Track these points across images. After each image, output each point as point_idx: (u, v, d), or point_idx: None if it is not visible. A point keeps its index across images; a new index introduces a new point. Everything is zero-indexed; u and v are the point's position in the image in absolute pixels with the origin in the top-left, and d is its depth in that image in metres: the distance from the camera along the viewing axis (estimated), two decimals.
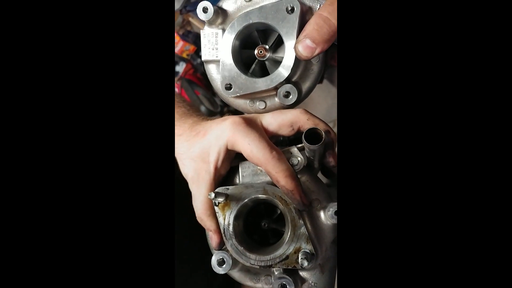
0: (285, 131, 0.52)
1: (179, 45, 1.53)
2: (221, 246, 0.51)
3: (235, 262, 0.50)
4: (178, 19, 1.58)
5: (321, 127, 0.50)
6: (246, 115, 0.54)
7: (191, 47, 1.56)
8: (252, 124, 0.51)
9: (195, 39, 1.57)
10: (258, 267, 0.48)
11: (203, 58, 0.56)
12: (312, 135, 0.45)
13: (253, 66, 0.57)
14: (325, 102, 1.75)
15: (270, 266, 0.47)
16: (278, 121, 0.52)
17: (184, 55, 1.59)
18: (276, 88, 0.53)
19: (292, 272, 0.49)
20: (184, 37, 1.56)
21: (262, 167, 0.48)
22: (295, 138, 0.56)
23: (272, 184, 0.50)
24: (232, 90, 0.53)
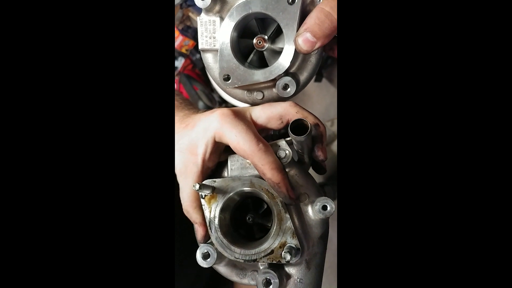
0: (274, 124, 0.51)
1: (178, 40, 1.52)
2: (207, 239, 0.50)
3: (220, 256, 0.49)
4: (178, 13, 1.57)
5: (309, 119, 0.49)
6: (235, 107, 0.53)
7: (191, 42, 1.55)
8: (240, 116, 0.50)
9: (195, 34, 1.56)
10: (242, 261, 0.47)
11: (200, 47, 0.55)
12: (299, 127, 0.44)
13: (251, 56, 0.57)
14: (323, 101, 1.74)
15: (255, 260, 0.47)
16: (267, 113, 0.51)
17: (183, 50, 1.58)
18: (274, 80, 0.52)
19: (277, 267, 0.48)
20: (183, 32, 1.54)
21: (248, 159, 0.47)
22: (286, 132, 0.55)
23: (260, 177, 0.49)
24: (230, 81, 0.52)
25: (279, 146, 0.49)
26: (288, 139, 0.50)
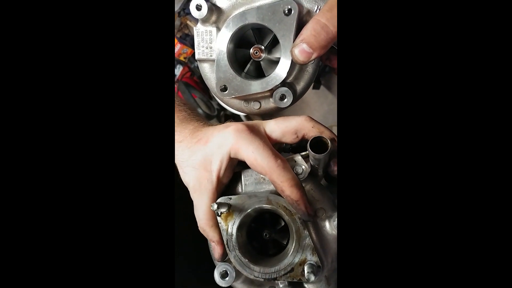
0: (289, 139, 0.51)
1: (177, 48, 1.51)
2: (224, 257, 0.50)
3: (238, 274, 0.48)
4: (176, 21, 1.56)
5: (326, 135, 0.49)
6: (249, 122, 0.53)
7: (189, 50, 1.55)
8: (256, 132, 0.50)
9: (193, 42, 1.56)
10: (262, 280, 0.46)
11: (196, 57, 0.55)
12: (317, 144, 0.44)
13: (248, 65, 0.57)
14: (321, 108, 1.74)
15: (275, 279, 0.46)
16: (281, 128, 0.51)
17: (181, 58, 1.57)
18: (271, 90, 0.52)
19: (297, 284, 0.47)
20: (181, 40, 1.54)
21: (266, 176, 0.46)
22: (298, 146, 0.55)
23: (276, 193, 0.48)
24: (227, 91, 0.53)
25: (296, 161, 0.49)
26: (303, 153, 0.50)
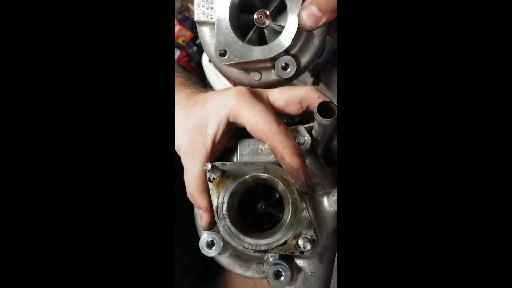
0: (293, 109, 0.48)
1: (176, 29, 1.48)
2: (212, 226, 0.46)
3: (225, 246, 0.45)
4: (177, 3, 1.53)
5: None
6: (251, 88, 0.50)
7: (188, 33, 1.51)
8: (258, 96, 0.47)
9: (193, 26, 1.52)
10: (252, 251, 0.43)
11: (195, 18, 0.51)
12: (325, 110, 0.41)
13: (251, 33, 0.53)
14: None
15: (266, 251, 0.43)
16: (286, 96, 0.48)
17: (180, 41, 1.53)
18: (274, 59, 0.49)
19: (287, 259, 0.44)
20: (181, 21, 1.50)
21: (267, 141, 0.43)
22: (300, 120, 0.52)
23: (275, 163, 0.45)
24: (226, 57, 0.49)
25: (298, 132, 0.46)
26: (306, 125, 0.47)
